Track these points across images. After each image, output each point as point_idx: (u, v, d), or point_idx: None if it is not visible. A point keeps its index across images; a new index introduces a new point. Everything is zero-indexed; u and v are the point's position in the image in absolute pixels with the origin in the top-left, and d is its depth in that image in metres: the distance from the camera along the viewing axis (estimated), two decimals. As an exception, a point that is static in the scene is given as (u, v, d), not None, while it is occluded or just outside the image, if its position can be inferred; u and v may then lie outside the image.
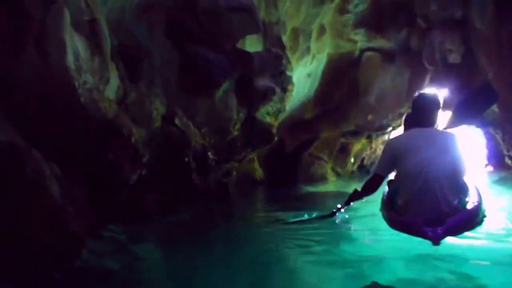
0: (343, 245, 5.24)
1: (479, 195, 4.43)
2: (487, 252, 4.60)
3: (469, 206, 4.23)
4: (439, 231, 3.80)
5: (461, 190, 4.37)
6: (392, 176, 4.80)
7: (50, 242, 4.12)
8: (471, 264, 4.31)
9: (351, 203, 5.13)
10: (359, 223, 6.19)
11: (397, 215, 4.35)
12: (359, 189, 4.83)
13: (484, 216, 4.33)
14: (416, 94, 4.75)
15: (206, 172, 8.68)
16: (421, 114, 4.55)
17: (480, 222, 4.27)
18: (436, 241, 3.81)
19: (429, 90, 12.37)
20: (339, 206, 5.47)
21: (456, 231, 4.08)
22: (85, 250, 4.50)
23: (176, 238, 6.06)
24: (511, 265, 4.11)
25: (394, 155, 4.46)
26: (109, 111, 5.78)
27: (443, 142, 4.37)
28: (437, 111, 4.56)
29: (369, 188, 4.64)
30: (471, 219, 4.17)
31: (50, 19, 4.99)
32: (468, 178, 4.56)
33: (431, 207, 4.08)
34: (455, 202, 4.17)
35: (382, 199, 4.81)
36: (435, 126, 4.62)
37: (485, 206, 4.42)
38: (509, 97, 9.45)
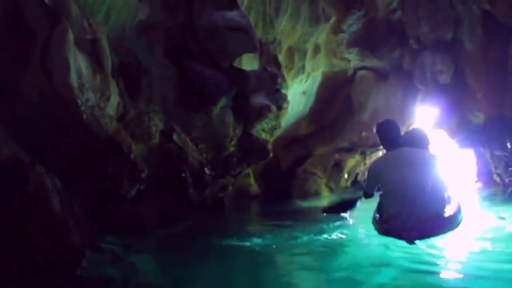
0: (335, 255, 5.44)
1: (458, 207, 5.06)
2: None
3: (445, 215, 4.90)
4: (412, 235, 4.70)
5: (439, 201, 4.96)
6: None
7: (50, 253, 4.27)
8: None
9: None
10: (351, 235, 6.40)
11: (383, 223, 5.09)
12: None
13: (459, 224, 5.00)
14: (376, 124, 5.54)
15: (203, 187, 8.83)
16: (386, 140, 5.34)
17: (453, 229, 4.95)
18: (409, 241, 4.72)
19: (421, 108, 12.72)
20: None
21: (428, 236, 4.86)
22: (84, 260, 4.65)
23: (172, 249, 6.19)
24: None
25: (376, 176, 5.25)
26: (110, 127, 5.95)
27: (419, 160, 5.07)
28: (398, 132, 5.37)
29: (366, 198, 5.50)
30: (444, 226, 4.90)
31: (55, 39, 5.22)
32: (451, 192, 5.13)
33: (410, 217, 4.76)
34: (432, 211, 4.82)
35: (374, 212, 5.47)
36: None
37: (463, 216, 5.06)
38: (496, 118, 9.69)
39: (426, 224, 4.76)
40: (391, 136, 5.33)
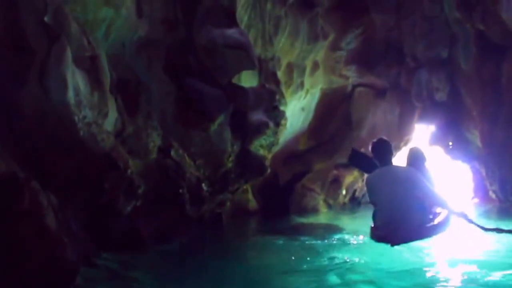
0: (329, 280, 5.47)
1: (445, 219, 5.85)
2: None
3: (428, 225, 5.74)
4: (395, 240, 5.53)
5: (424, 212, 5.76)
6: None
7: (45, 270, 4.30)
8: None
9: None
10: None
11: (376, 230, 5.85)
12: None
13: (441, 232, 5.84)
14: (371, 142, 6.15)
15: (200, 203, 8.82)
16: (380, 157, 5.98)
17: (433, 236, 5.80)
18: (392, 244, 5.58)
19: (418, 126, 12.82)
20: None
21: (411, 240, 5.68)
22: (79, 277, 4.67)
23: (169, 266, 6.21)
24: None
25: (370, 189, 6.04)
26: (107, 143, 6.00)
27: (407, 177, 5.79)
28: (391, 152, 6.07)
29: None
30: (426, 233, 5.78)
31: (53, 57, 5.29)
32: (440, 205, 5.87)
33: (399, 226, 5.49)
34: (417, 222, 5.61)
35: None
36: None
37: (448, 227, 5.86)
38: (491, 135, 9.76)
39: (411, 232, 5.62)
40: (383, 153, 5.99)
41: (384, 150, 6.08)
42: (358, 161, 7.75)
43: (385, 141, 6.20)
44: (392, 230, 5.61)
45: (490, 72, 9.69)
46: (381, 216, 5.85)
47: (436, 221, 5.89)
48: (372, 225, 6.07)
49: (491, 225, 6.06)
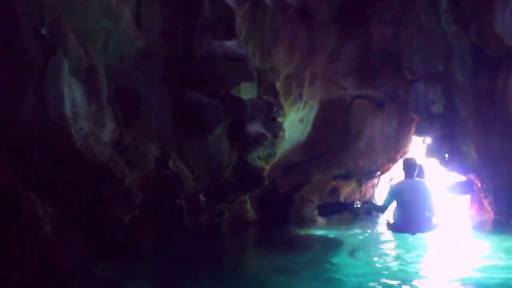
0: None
1: (440, 220, 9.27)
2: None
3: (433, 222, 9.15)
4: (414, 231, 8.72)
5: (430, 213, 9.11)
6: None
7: (42, 279, 4.35)
8: None
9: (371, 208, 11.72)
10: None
11: (396, 225, 9.30)
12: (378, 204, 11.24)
13: (437, 227, 9.14)
14: (403, 159, 10.51)
15: (198, 213, 8.88)
16: (407, 171, 9.64)
17: (433, 229, 9.03)
18: (412, 234, 8.60)
19: (415, 139, 12.91)
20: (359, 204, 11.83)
21: (422, 232, 8.76)
22: (76, 286, 4.71)
23: (166, 274, 6.23)
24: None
25: (394, 195, 9.48)
26: (104, 154, 6.06)
27: (421, 188, 9.39)
28: (415, 168, 9.61)
29: (379, 211, 10.74)
30: (431, 227, 9.02)
31: (50, 69, 5.37)
32: (437, 210, 9.34)
33: (413, 222, 8.90)
34: (426, 219, 9.00)
35: (387, 221, 9.85)
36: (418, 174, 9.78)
37: (441, 224, 9.33)
38: (486, 147, 9.82)
39: (422, 225, 8.85)
40: (409, 168, 9.57)
41: (410, 166, 9.51)
42: (330, 210, 10.02)
43: (412, 159, 9.93)
44: (409, 225, 8.73)
45: (485, 85, 9.74)
46: (400, 215, 9.12)
47: (436, 222, 9.11)
48: (391, 222, 9.37)
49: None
